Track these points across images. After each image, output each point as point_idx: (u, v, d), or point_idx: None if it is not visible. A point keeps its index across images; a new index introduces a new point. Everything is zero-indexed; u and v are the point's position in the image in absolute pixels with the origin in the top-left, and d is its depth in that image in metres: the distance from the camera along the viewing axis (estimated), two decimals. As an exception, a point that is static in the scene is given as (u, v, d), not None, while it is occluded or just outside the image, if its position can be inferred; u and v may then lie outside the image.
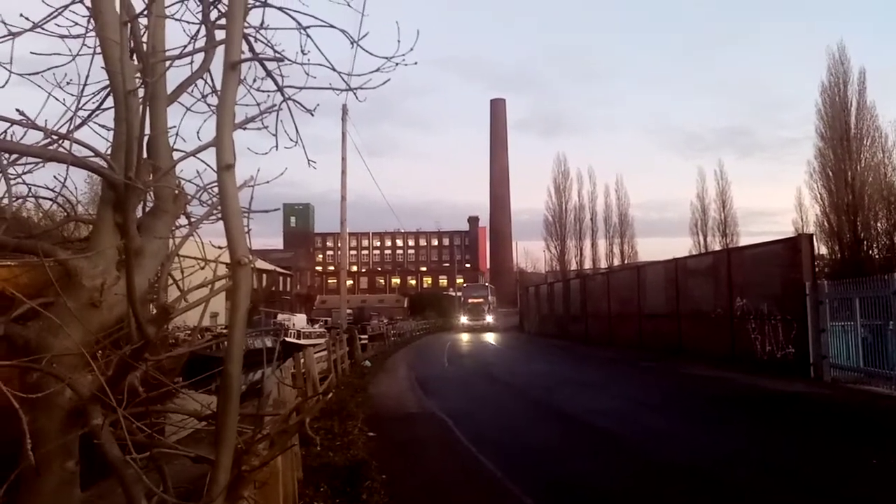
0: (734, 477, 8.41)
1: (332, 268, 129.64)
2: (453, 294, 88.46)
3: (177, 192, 2.90)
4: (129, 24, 2.59)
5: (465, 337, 51.02)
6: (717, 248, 56.07)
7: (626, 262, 70.60)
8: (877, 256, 40.55)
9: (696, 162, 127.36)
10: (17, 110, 2.38)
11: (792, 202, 58.27)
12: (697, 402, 15.11)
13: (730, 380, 18.40)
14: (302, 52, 3.17)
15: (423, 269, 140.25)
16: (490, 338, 49.18)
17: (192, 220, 2.99)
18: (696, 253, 53.56)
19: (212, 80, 3.17)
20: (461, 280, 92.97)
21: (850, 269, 33.24)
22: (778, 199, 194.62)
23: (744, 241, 58.76)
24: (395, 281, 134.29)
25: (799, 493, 7.67)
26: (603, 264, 73.60)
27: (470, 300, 67.61)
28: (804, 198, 48.72)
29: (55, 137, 2.51)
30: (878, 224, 41.74)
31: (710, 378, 19.11)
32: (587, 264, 75.75)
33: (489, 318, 64.26)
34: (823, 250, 42.98)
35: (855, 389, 15.93)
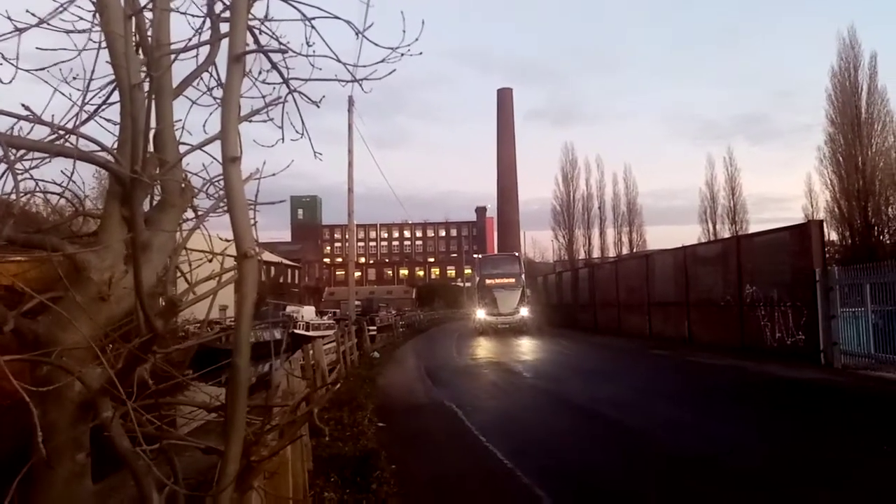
0: (747, 465, 8.40)
1: (340, 259, 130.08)
2: (462, 285, 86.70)
3: (183, 185, 2.90)
4: (133, 18, 2.59)
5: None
6: (727, 235, 55.79)
7: (634, 250, 70.35)
8: (888, 242, 40.24)
9: (710, 150, 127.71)
10: (23, 105, 2.39)
11: (803, 188, 57.18)
12: (708, 391, 15.08)
13: (740, 368, 18.36)
14: (307, 43, 3.16)
15: (431, 259, 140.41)
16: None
17: (199, 213, 3.00)
18: (704, 241, 53.34)
19: (217, 73, 3.17)
20: (469, 271, 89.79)
21: (861, 255, 33.04)
22: (791, 186, 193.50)
23: (753, 228, 58.46)
24: (404, 272, 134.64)
25: (812, 482, 7.66)
26: (611, 253, 73.39)
27: (489, 280, 40.23)
28: (814, 184, 48.44)
29: (62, 132, 2.52)
30: (889, 209, 41.38)
31: (720, 366, 19.07)
32: (595, 253, 75.49)
33: (523, 312, 38.87)
34: (834, 236, 42.71)
35: (866, 376, 15.87)
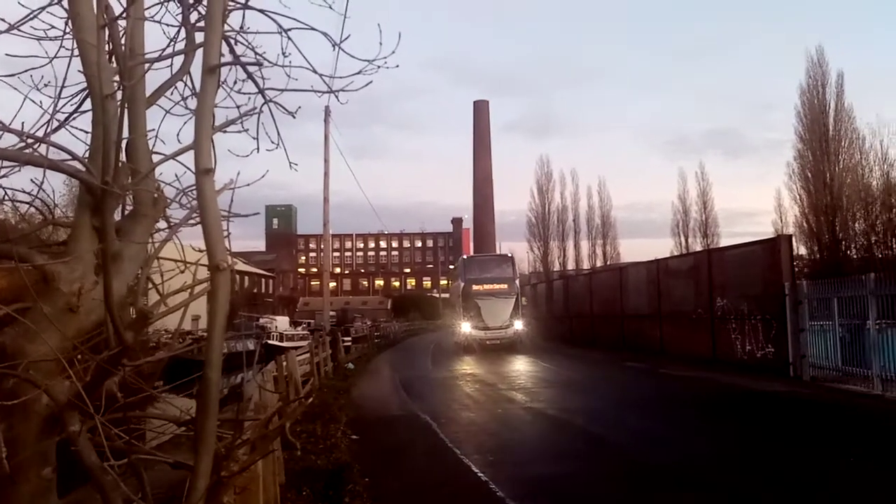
0: (715, 477, 8.48)
1: (315, 269, 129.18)
2: (437, 296, 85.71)
3: (156, 195, 2.87)
4: (106, 27, 2.57)
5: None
6: (699, 248, 56.41)
7: (608, 263, 70.83)
8: (855, 257, 40.95)
9: (684, 164, 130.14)
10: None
11: (774, 203, 57.83)
12: (680, 403, 15.21)
13: (711, 380, 18.55)
14: (283, 54, 3.16)
15: (407, 270, 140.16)
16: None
17: (172, 223, 2.97)
18: (677, 254, 53.90)
19: (192, 82, 3.14)
20: (445, 282, 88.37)
21: (829, 270, 33.58)
22: (762, 201, 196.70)
23: (725, 241, 59.08)
24: (379, 283, 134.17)
25: (778, 493, 7.76)
26: (586, 265, 73.76)
27: (476, 286, 32.95)
28: (784, 199, 49.20)
29: (32, 141, 2.48)
30: (856, 224, 42.13)
31: (692, 378, 19.25)
32: (570, 265, 75.76)
33: (517, 325, 32.48)
34: (802, 251, 43.33)
35: (833, 388, 16.12)
